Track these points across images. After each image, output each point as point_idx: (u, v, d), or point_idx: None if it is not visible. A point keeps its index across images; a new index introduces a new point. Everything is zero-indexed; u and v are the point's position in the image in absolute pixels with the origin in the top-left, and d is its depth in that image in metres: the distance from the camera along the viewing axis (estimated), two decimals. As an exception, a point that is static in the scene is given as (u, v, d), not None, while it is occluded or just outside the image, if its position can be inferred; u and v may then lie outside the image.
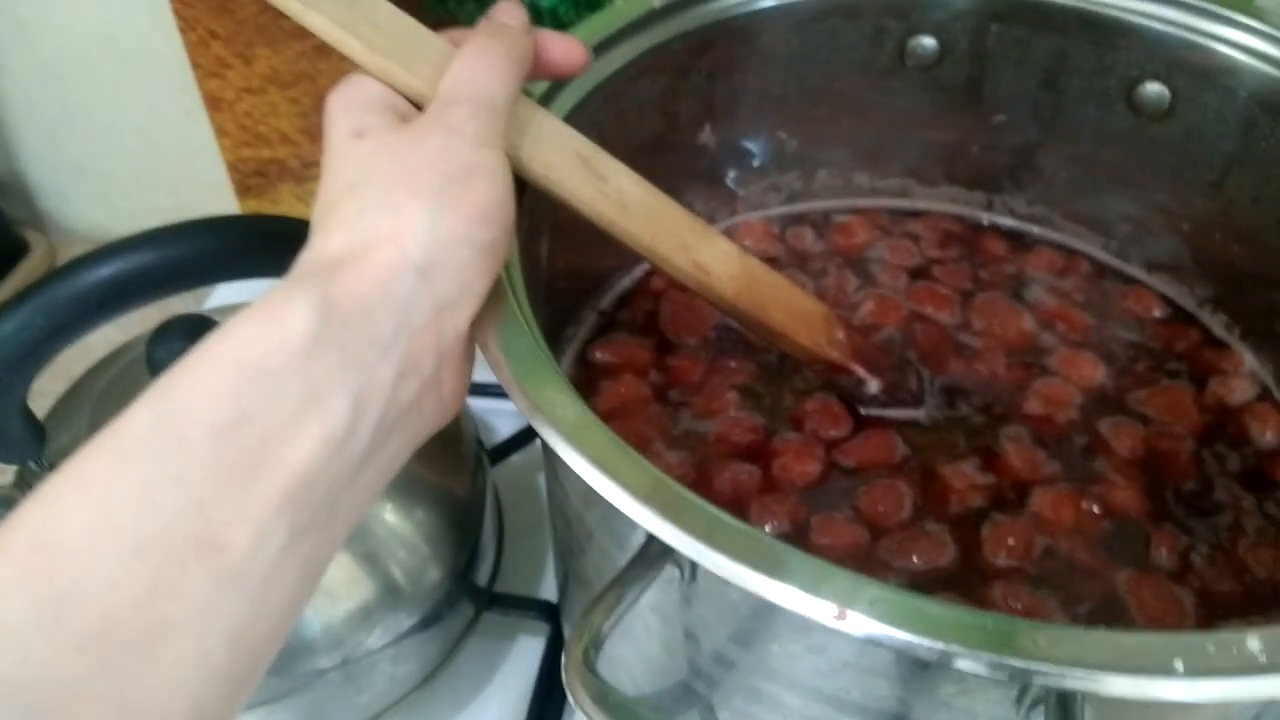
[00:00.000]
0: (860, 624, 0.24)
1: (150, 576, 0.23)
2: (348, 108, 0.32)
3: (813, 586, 0.25)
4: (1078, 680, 0.24)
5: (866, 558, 0.41)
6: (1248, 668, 0.23)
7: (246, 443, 0.25)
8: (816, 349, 0.43)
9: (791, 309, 0.43)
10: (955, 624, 0.24)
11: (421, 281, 0.28)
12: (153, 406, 0.25)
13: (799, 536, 0.41)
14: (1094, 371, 0.49)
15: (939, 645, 0.24)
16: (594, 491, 0.27)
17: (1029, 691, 0.27)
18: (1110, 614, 0.39)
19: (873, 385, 0.45)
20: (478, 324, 0.31)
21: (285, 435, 0.26)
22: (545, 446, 0.29)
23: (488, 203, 0.30)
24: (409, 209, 0.29)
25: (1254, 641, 0.24)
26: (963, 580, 0.40)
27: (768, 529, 0.41)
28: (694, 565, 0.27)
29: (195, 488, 0.24)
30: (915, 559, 0.40)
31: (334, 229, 0.29)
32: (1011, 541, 0.41)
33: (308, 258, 0.29)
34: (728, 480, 0.43)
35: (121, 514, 0.24)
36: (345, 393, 0.27)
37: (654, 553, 0.29)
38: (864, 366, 0.45)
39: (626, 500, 0.26)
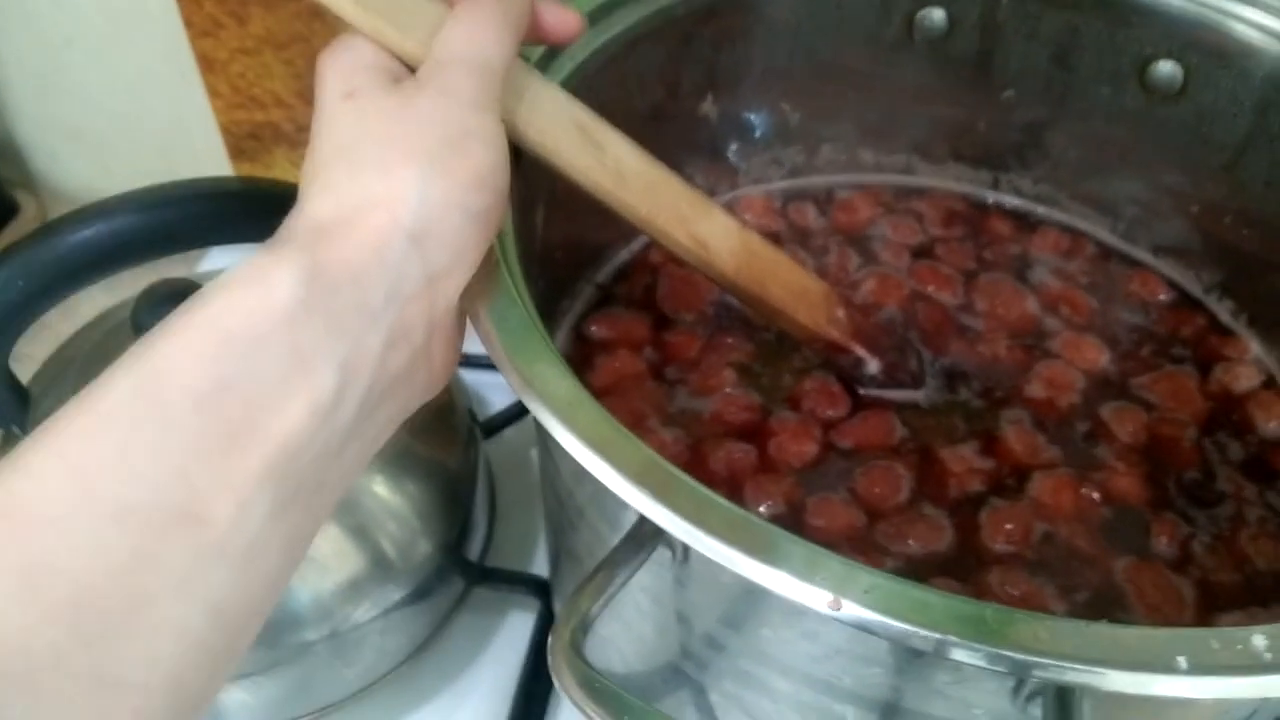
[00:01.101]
0: (855, 612, 0.23)
1: (129, 546, 0.23)
2: (339, 69, 0.31)
3: (806, 573, 0.24)
4: (1078, 675, 0.23)
5: (862, 541, 0.40)
6: (1252, 665, 0.23)
7: (229, 411, 0.24)
8: (816, 327, 0.42)
9: (791, 286, 0.42)
10: (953, 614, 0.23)
11: (412, 248, 0.28)
12: (132, 371, 0.24)
13: (794, 518, 0.41)
14: (1097, 355, 0.48)
15: (935, 635, 0.23)
16: (585, 470, 0.27)
17: (1027, 684, 0.26)
18: (1109, 602, 0.39)
19: (872, 365, 0.44)
20: (469, 295, 0.30)
21: (270, 404, 0.25)
22: (537, 422, 0.28)
23: (482, 168, 0.29)
24: (401, 173, 0.28)
25: (1259, 639, 0.23)
26: (960, 565, 0.39)
27: (763, 510, 0.41)
28: (686, 547, 0.26)
29: (176, 456, 0.24)
30: (912, 543, 0.40)
31: (323, 193, 0.28)
32: (1010, 527, 0.40)
33: (295, 222, 0.28)
34: (723, 459, 0.42)
35: (99, 481, 0.23)
36: (332, 361, 0.26)
37: (645, 534, 0.29)
38: (864, 346, 0.44)
39: (618, 480, 0.25)
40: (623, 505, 0.26)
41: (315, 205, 0.28)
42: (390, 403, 0.29)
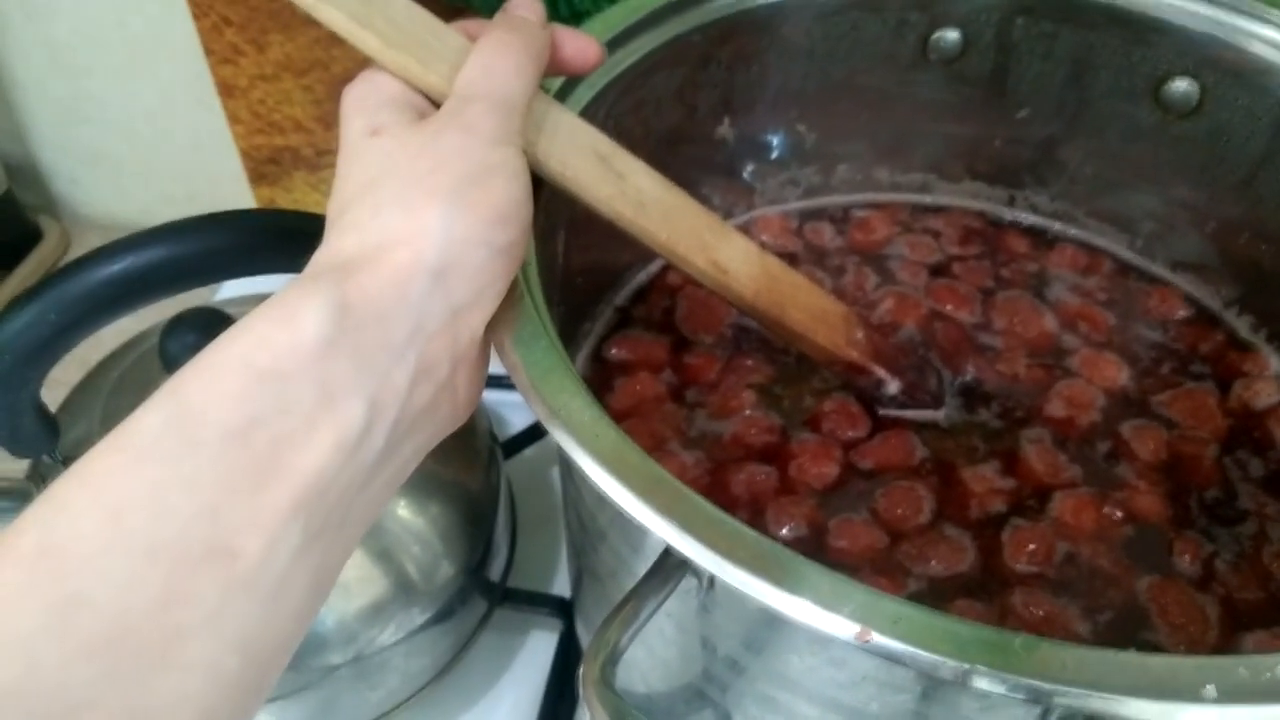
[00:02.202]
0: (882, 643, 0.24)
1: (162, 583, 0.23)
2: (363, 105, 0.31)
3: (833, 604, 0.24)
4: (1105, 703, 0.23)
5: (885, 562, 0.40)
6: (1281, 693, 0.23)
7: (259, 446, 0.25)
8: (836, 349, 0.43)
9: (811, 309, 0.42)
10: (980, 643, 0.24)
11: (436, 284, 0.28)
12: (164, 407, 0.25)
13: (816, 539, 0.41)
14: (1117, 373, 0.48)
15: (963, 665, 0.23)
16: (608, 495, 0.27)
17: (1054, 711, 0.26)
18: (1132, 622, 0.39)
19: (892, 386, 0.44)
20: (493, 325, 0.31)
21: (298, 440, 0.25)
22: (562, 451, 0.29)
23: (505, 203, 0.29)
24: (424, 210, 0.28)
25: (1288, 666, 0.23)
26: (982, 587, 0.40)
27: (785, 532, 0.41)
28: (712, 577, 0.26)
29: (207, 492, 0.24)
30: (934, 564, 0.40)
31: (348, 229, 0.29)
32: (1032, 547, 0.40)
33: (321, 257, 0.29)
34: (744, 482, 0.43)
35: (132, 517, 0.23)
36: (359, 397, 0.26)
37: (672, 564, 0.29)
38: (884, 367, 0.44)
39: (646, 513, 0.26)
40: (644, 530, 0.26)
41: (340, 241, 0.29)
42: (416, 436, 0.29)
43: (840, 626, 0.24)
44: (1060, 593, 0.39)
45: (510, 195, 0.30)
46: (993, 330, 0.50)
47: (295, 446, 0.25)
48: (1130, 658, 0.24)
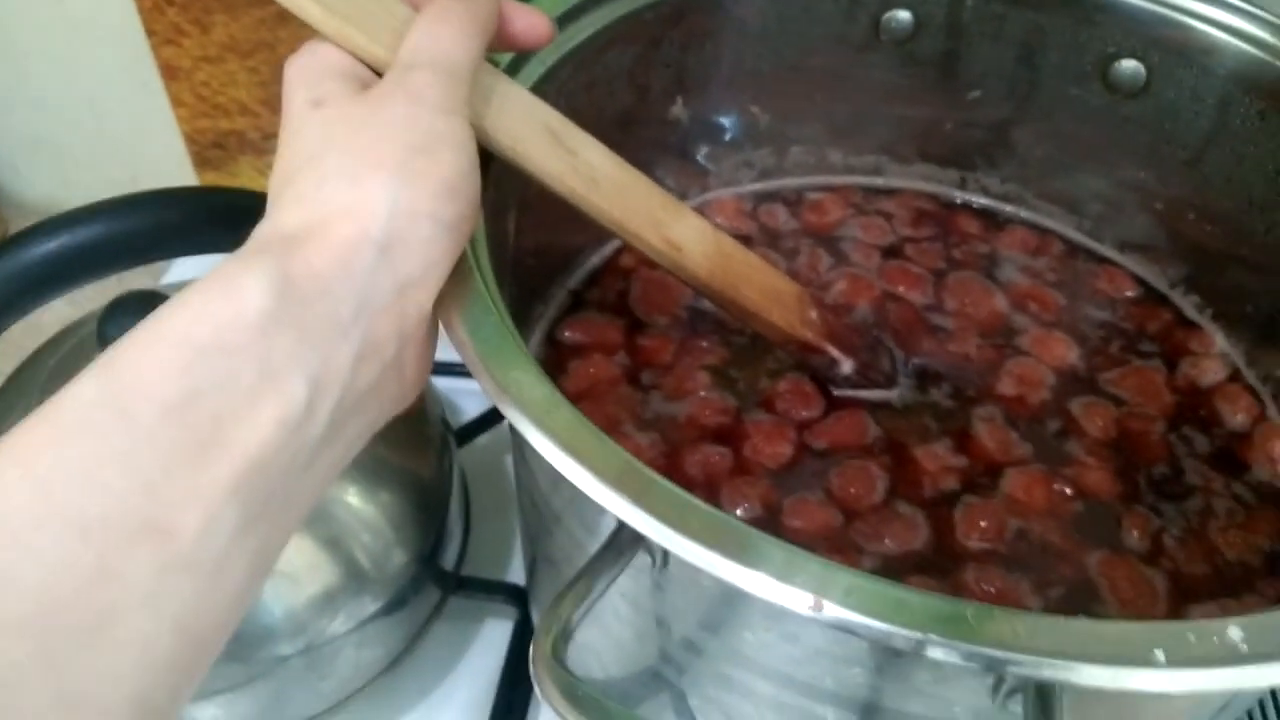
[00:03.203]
0: (836, 614, 0.23)
1: (93, 560, 0.22)
2: (306, 75, 0.30)
3: (787, 575, 0.24)
4: (1056, 671, 0.23)
5: (839, 540, 0.40)
6: (1229, 657, 0.23)
7: (197, 422, 0.24)
8: (790, 329, 0.43)
9: (765, 288, 0.42)
10: (933, 613, 0.23)
11: (382, 259, 0.27)
12: (98, 380, 0.24)
13: (771, 519, 0.41)
14: (1066, 352, 0.48)
15: (915, 635, 0.23)
16: (561, 475, 0.26)
17: (1006, 681, 0.26)
18: (1083, 596, 0.39)
19: (846, 366, 0.44)
20: (441, 302, 0.30)
21: (239, 416, 0.24)
22: (513, 428, 0.28)
23: (453, 175, 0.29)
24: (369, 182, 0.27)
25: (1235, 630, 0.23)
26: (936, 563, 0.40)
27: (740, 512, 0.41)
28: (665, 552, 0.26)
29: (143, 468, 0.23)
30: (888, 541, 0.40)
31: (291, 203, 0.28)
32: (984, 524, 0.41)
33: (263, 231, 0.28)
34: (698, 462, 0.42)
35: (63, 493, 0.22)
36: (302, 374, 0.26)
37: (624, 540, 0.28)
38: (837, 347, 0.44)
39: (597, 487, 0.25)
40: (600, 511, 0.26)
41: (283, 215, 0.28)
42: (361, 416, 0.28)
43: (793, 598, 0.23)
44: (1012, 569, 0.40)
45: (458, 166, 0.29)
46: (944, 311, 0.50)
47: (235, 423, 0.24)
48: (1082, 624, 0.25)
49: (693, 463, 0.42)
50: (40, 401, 0.32)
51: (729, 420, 0.44)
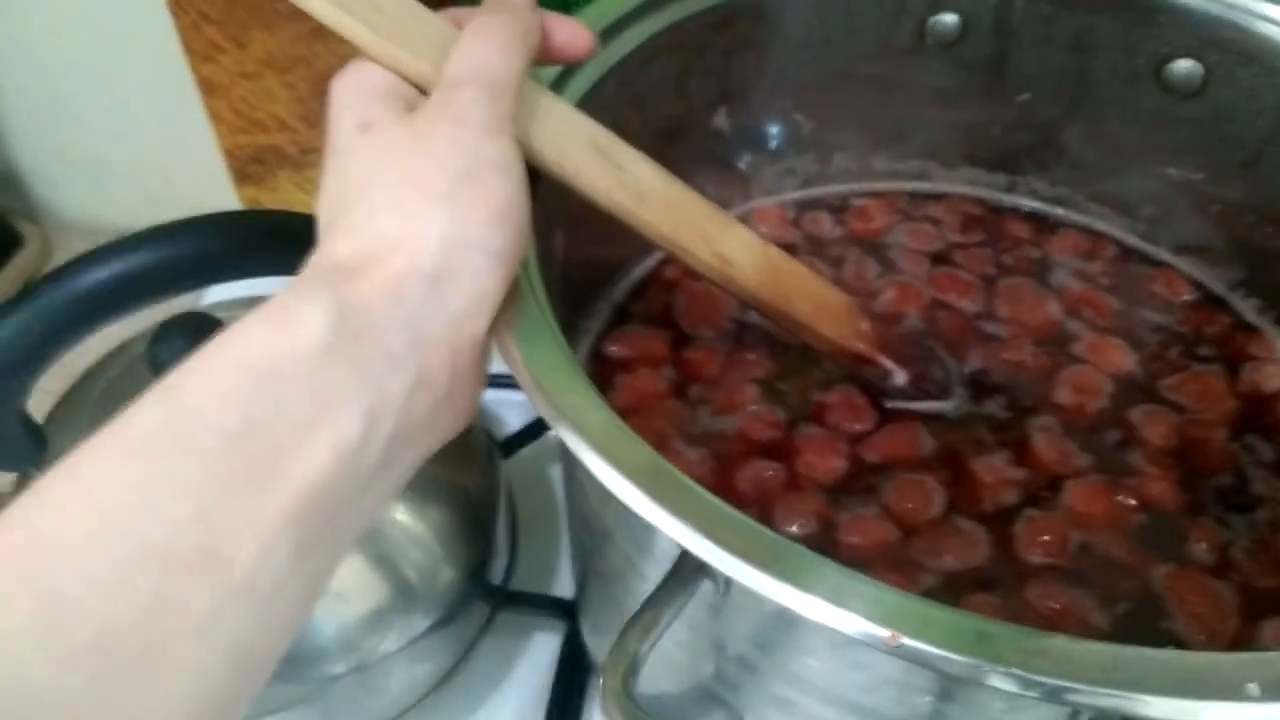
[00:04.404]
0: (916, 650, 0.23)
1: (151, 588, 0.22)
2: (353, 98, 0.30)
3: (859, 608, 0.23)
4: (1144, 706, 0.22)
5: (898, 557, 0.39)
6: (1327, 689, 0.22)
7: (256, 451, 0.24)
8: (842, 340, 0.42)
9: (815, 299, 0.41)
10: (1017, 648, 0.23)
11: (433, 291, 0.27)
12: (160, 405, 0.24)
13: (827, 536, 0.40)
14: (1123, 358, 0.47)
15: (1000, 669, 0.23)
16: (614, 495, 0.26)
17: (1083, 712, 0.25)
18: (1150, 611, 0.38)
19: (899, 377, 0.44)
20: (496, 325, 0.30)
21: (296, 446, 0.24)
22: (566, 449, 0.28)
23: (501, 203, 0.28)
24: (419, 214, 0.27)
25: (1332, 660, 0.23)
26: (997, 580, 0.39)
27: (795, 529, 0.40)
28: (730, 580, 0.26)
29: (201, 495, 0.23)
30: (948, 558, 0.39)
31: (344, 232, 0.28)
32: (1046, 538, 0.40)
33: (318, 260, 0.28)
34: (750, 479, 0.42)
35: (122, 519, 0.22)
36: (357, 405, 0.25)
37: (689, 568, 0.28)
38: (890, 358, 0.43)
39: (665, 518, 0.25)
40: (654, 531, 0.25)
41: (337, 245, 0.28)
42: (414, 448, 0.28)
43: (870, 633, 0.23)
44: (1076, 583, 0.39)
45: (506, 193, 0.29)
46: (997, 318, 0.49)
47: (293, 452, 0.24)
48: (1171, 655, 0.24)
49: (744, 479, 0.42)
50: (92, 422, 0.33)
51: (779, 435, 0.44)
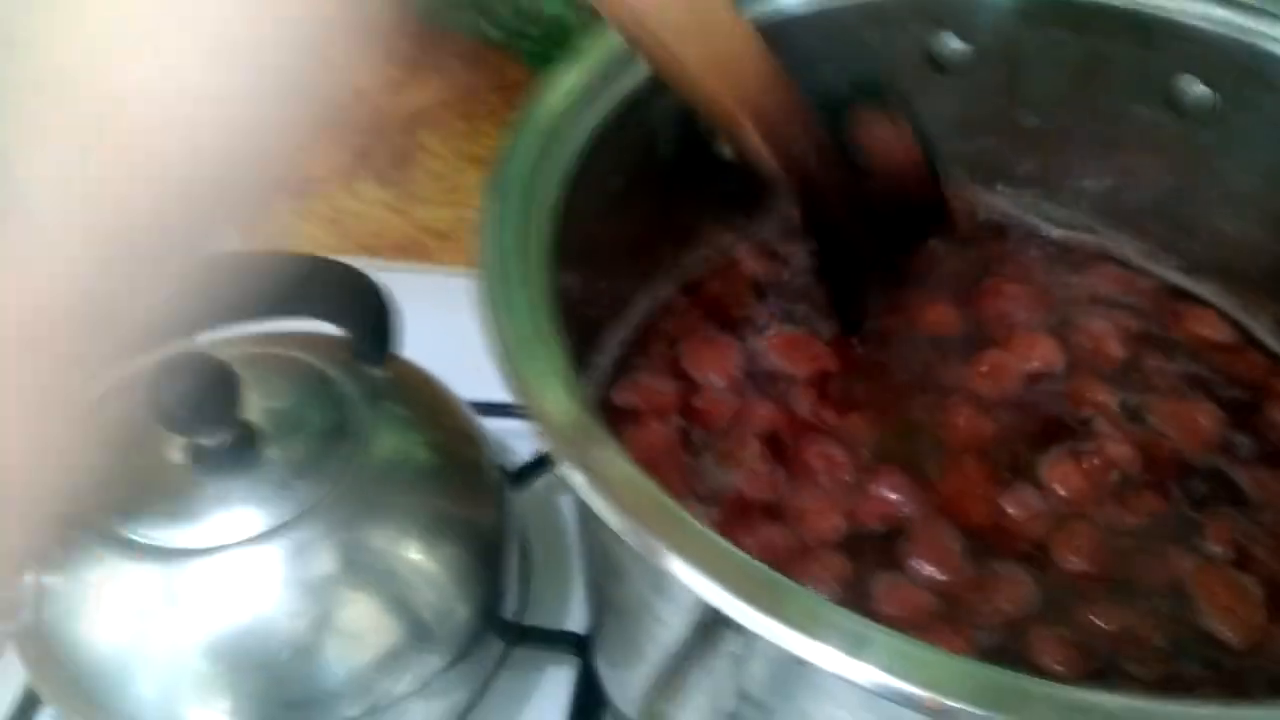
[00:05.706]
0: (958, 711, 0.22)
1: None
2: None
3: (902, 671, 0.23)
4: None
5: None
6: None
7: None
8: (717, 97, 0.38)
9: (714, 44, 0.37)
10: (1064, 705, 0.22)
11: None
12: None
13: (855, 596, 0.39)
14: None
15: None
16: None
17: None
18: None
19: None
20: (527, 382, 0.29)
21: None
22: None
23: None
24: None
25: None
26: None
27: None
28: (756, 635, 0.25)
29: None
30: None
31: None
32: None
33: None
34: (758, 545, 0.41)
35: None
36: None
37: (714, 622, 0.27)
38: (762, 131, 0.39)
39: (703, 581, 0.24)
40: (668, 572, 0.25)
41: None
42: None
43: (913, 695, 0.22)
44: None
45: None
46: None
47: None
48: (1206, 712, 0.23)
49: (751, 544, 0.41)
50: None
51: (777, 495, 0.43)
